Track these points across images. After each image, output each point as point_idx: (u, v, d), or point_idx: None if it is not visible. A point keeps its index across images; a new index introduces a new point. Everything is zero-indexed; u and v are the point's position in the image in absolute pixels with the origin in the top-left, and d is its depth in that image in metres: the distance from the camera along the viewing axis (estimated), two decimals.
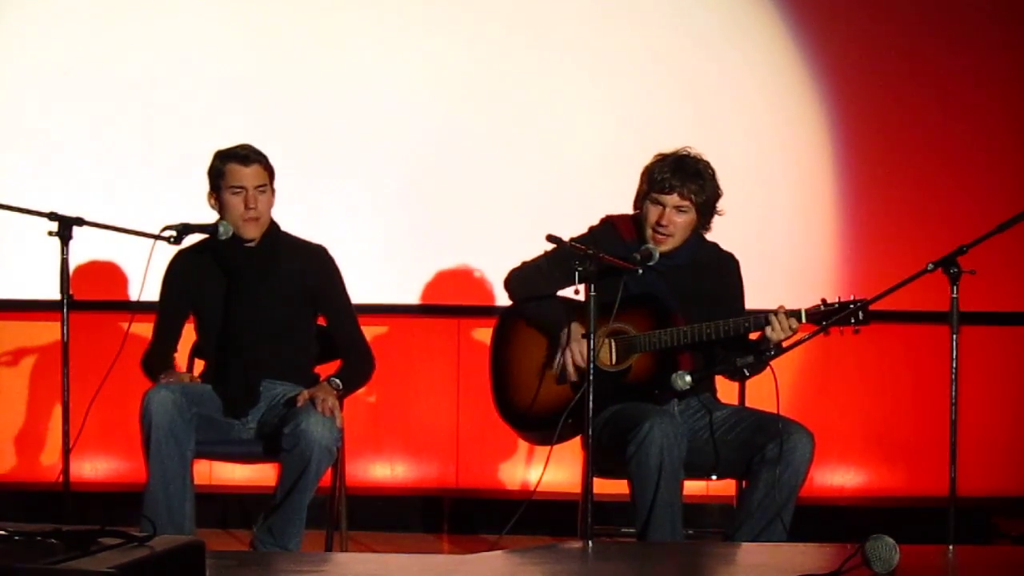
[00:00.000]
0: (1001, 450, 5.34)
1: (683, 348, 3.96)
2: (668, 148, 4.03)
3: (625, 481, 3.85)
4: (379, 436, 5.40)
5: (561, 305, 4.04)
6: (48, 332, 5.12)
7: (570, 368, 3.97)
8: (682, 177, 3.96)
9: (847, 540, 3.38)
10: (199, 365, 4.27)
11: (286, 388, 4.14)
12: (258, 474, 5.02)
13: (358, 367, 4.19)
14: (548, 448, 4.04)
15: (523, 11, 5.35)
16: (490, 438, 5.23)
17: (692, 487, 4.14)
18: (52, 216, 3.77)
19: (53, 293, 3.78)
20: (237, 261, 4.11)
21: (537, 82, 5.34)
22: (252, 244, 4.12)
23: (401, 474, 5.42)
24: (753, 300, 4.15)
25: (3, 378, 5.39)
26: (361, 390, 4.30)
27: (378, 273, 5.27)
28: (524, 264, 4.16)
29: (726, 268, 4.15)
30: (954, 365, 3.75)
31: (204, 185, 4.12)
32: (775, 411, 3.82)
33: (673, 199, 3.97)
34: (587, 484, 3.83)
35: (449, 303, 5.35)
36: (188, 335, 4.25)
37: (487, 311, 5.12)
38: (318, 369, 4.30)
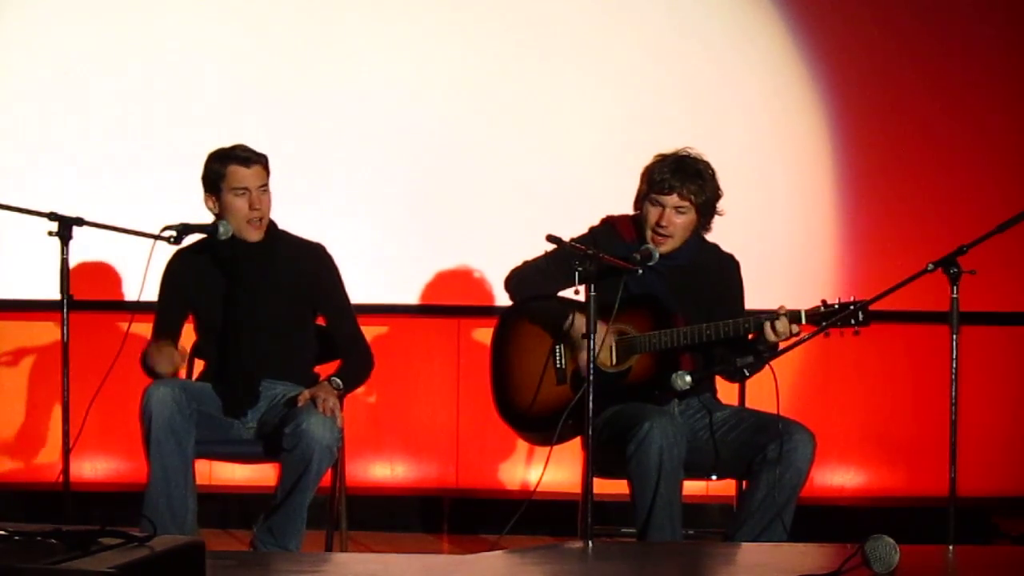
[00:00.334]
0: (1001, 450, 5.34)
1: (683, 349, 3.96)
2: (668, 148, 4.03)
3: (625, 481, 3.85)
4: (379, 436, 5.40)
5: (561, 305, 4.03)
6: (48, 332, 5.13)
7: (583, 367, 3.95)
8: (682, 178, 3.95)
9: (847, 540, 3.38)
10: (199, 365, 4.27)
11: (286, 388, 4.13)
12: (258, 474, 5.02)
13: (358, 366, 4.18)
14: (548, 448, 4.04)
15: (523, 12, 5.35)
16: (490, 438, 5.23)
17: (692, 487, 4.14)
18: (52, 216, 3.76)
19: (53, 293, 3.78)
20: (236, 260, 4.11)
21: (537, 82, 5.33)
22: (251, 243, 4.11)
23: (401, 474, 5.42)
24: (753, 300, 4.14)
25: (3, 378, 5.39)
26: (361, 390, 4.30)
27: (378, 273, 5.27)
28: (524, 264, 4.15)
29: (726, 269, 4.14)
30: (954, 365, 3.75)
31: None
32: (775, 411, 3.82)
33: (673, 200, 3.96)
34: (587, 484, 3.82)
35: (449, 303, 5.35)
36: (188, 335, 4.25)
37: (487, 311, 5.12)
38: (318, 369, 4.30)
